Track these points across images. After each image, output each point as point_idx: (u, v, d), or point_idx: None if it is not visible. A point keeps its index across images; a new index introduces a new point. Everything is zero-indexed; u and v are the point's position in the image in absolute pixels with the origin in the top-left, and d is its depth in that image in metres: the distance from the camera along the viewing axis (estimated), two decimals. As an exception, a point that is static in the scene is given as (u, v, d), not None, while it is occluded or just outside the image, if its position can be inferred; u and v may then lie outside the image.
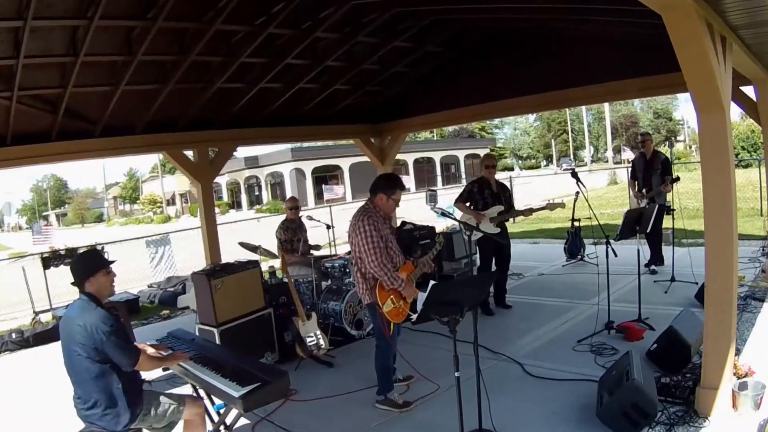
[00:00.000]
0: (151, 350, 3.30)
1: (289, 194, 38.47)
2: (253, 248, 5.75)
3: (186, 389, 3.86)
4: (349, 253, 4.73)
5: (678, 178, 6.97)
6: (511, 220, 6.89)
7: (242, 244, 5.92)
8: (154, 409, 3.05)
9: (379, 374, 4.23)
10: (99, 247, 9.96)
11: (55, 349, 3.21)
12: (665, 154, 7.98)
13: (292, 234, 6.63)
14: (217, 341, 4.89)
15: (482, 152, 46.36)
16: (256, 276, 5.44)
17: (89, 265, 3.05)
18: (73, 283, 3.02)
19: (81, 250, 9.07)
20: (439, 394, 4.28)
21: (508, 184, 8.25)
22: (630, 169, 7.89)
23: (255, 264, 5.47)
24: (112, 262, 3.13)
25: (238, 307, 5.19)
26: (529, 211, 6.36)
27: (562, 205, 6.40)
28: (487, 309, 6.32)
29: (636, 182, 7.52)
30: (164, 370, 4.48)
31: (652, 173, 7.22)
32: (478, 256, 6.57)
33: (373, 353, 4.25)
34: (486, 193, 6.26)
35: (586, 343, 4.97)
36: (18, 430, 4.64)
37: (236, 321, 5.15)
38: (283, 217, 6.94)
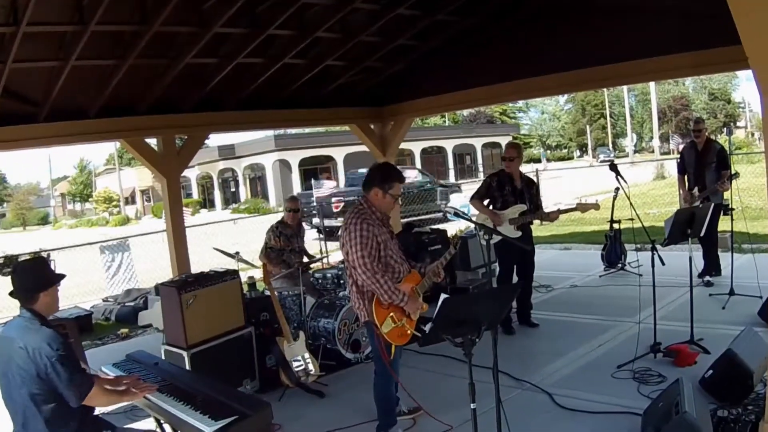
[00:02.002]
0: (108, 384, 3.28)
1: (271, 190, 38.57)
2: (230, 255, 5.75)
3: (148, 423, 3.86)
4: (343, 261, 4.75)
5: (737, 174, 6.96)
6: (536, 222, 6.85)
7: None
8: (110, 448, 3.06)
9: (379, 406, 4.24)
10: (45, 254, 10.00)
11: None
12: (721, 143, 7.95)
13: (286, 242, 6.55)
14: (187, 366, 4.89)
15: (503, 140, 46.36)
16: (235, 289, 5.44)
17: (45, 276, 3.07)
18: (11, 294, 3.02)
19: (23, 258, 9.09)
20: (452, 430, 4.28)
21: (535, 179, 8.23)
22: (678, 161, 7.88)
23: (234, 274, 5.46)
24: (62, 276, 3.16)
25: (213, 326, 5.19)
26: (555, 214, 6.34)
27: (596, 206, 6.33)
28: (509, 328, 6.33)
29: (686, 178, 7.51)
30: (123, 400, 4.49)
31: (705, 167, 7.21)
32: (497, 264, 6.57)
33: (373, 381, 4.25)
34: (506, 190, 6.24)
35: (627, 368, 4.97)
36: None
37: (211, 342, 5.15)
38: (278, 217, 6.82)
